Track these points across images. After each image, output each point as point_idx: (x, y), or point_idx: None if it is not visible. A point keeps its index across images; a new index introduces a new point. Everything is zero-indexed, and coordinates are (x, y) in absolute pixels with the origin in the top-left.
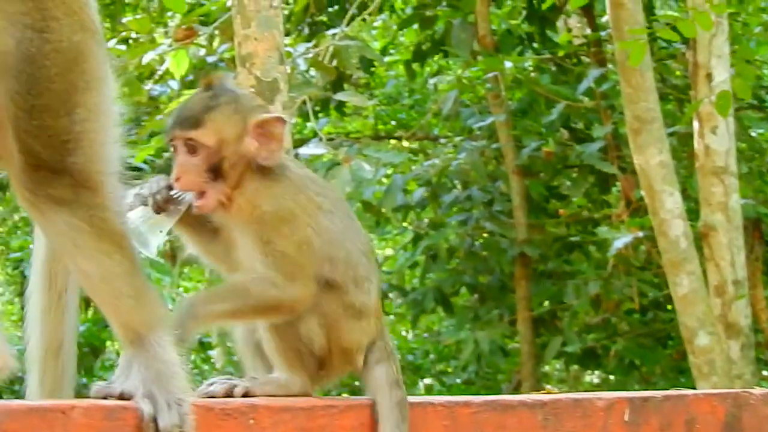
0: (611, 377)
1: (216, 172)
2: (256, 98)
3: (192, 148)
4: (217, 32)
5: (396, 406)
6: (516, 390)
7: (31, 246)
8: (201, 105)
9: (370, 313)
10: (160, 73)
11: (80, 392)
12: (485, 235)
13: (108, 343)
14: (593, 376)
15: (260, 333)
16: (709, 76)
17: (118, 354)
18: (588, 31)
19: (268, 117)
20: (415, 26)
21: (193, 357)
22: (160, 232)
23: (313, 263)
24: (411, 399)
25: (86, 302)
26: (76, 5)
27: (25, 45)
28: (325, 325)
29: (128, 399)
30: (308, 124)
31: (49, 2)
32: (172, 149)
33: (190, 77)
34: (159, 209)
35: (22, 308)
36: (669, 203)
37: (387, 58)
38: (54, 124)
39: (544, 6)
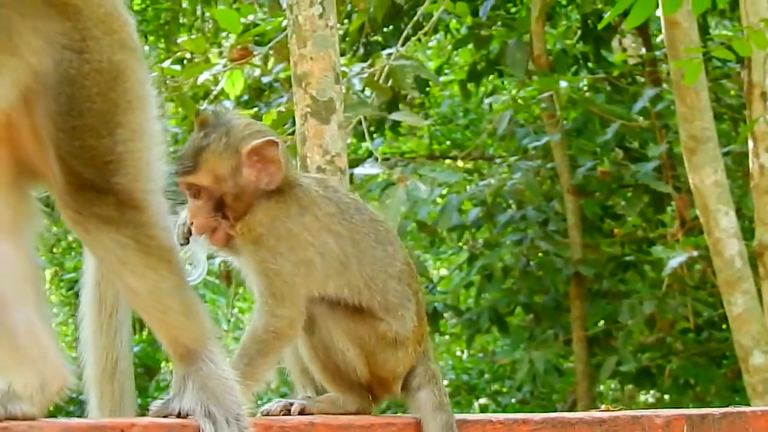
0: (666, 396)
1: (222, 208)
2: (251, 124)
3: (194, 191)
4: (271, 52)
5: (442, 430)
6: (571, 410)
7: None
8: (194, 147)
9: (407, 342)
10: (215, 93)
11: (136, 413)
12: (540, 254)
13: (163, 363)
14: (648, 396)
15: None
16: (764, 95)
17: (172, 374)
18: (643, 50)
19: (259, 143)
20: (470, 46)
21: None
22: (196, 260)
23: (309, 284)
24: (469, 417)
25: (140, 323)
26: (116, 24)
27: (64, 66)
28: (363, 355)
29: (187, 417)
30: (363, 144)
31: (88, 22)
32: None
33: (245, 97)
34: (185, 240)
35: (76, 329)
36: (724, 222)
37: (442, 78)
38: (96, 145)
39: (600, 26)
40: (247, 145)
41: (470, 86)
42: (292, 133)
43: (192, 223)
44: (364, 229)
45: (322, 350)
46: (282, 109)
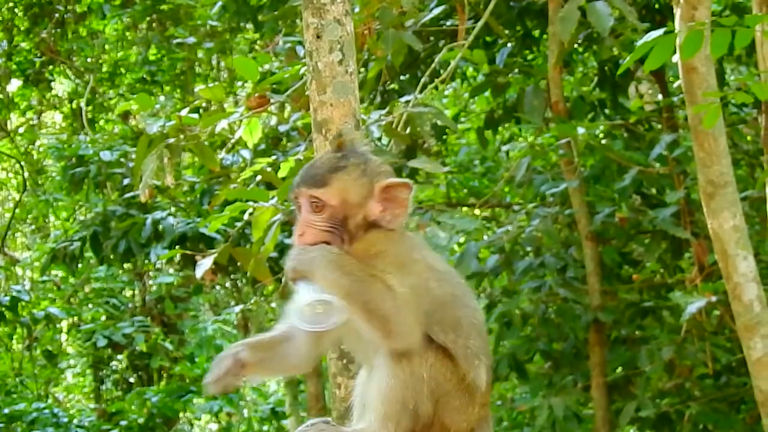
0: None
1: (338, 229)
2: (385, 163)
3: (317, 205)
4: (288, 101)
5: None
6: None
7: (102, 318)
8: (329, 165)
9: (477, 396)
10: (232, 142)
11: None
12: (559, 301)
13: (180, 413)
14: None
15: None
16: None
17: (191, 424)
18: (659, 96)
19: (396, 182)
20: (487, 93)
21: (266, 427)
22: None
23: (421, 312)
24: None
25: (158, 373)
26: None
27: None
28: (435, 393)
29: None
30: None
31: None
32: (296, 205)
33: (262, 146)
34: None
35: (94, 380)
36: (743, 267)
37: (458, 126)
38: None
39: (618, 72)
40: (383, 180)
41: (487, 134)
42: None
43: (302, 234)
44: (456, 278)
45: (398, 388)
46: (300, 157)
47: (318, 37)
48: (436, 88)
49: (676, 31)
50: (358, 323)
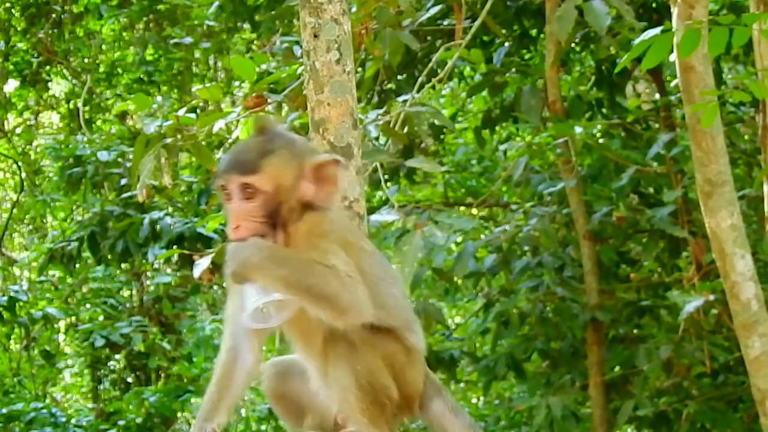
0: None
1: (273, 215)
2: (310, 142)
3: (249, 193)
4: (285, 100)
5: (469, 428)
6: None
7: (100, 318)
8: (258, 149)
9: (421, 356)
10: (229, 142)
11: None
12: (556, 300)
13: (179, 413)
14: None
15: (331, 392)
16: None
17: (188, 423)
18: (657, 95)
19: (326, 159)
20: (484, 93)
21: (264, 427)
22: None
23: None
24: None
25: (156, 374)
26: None
27: None
28: (395, 374)
29: None
30: (378, 193)
31: None
32: (223, 194)
33: None
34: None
35: (92, 380)
36: (740, 266)
37: (456, 125)
38: None
39: (615, 71)
40: (313, 159)
41: (484, 133)
42: None
43: (237, 228)
44: (380, 257)
45: (365, 375)
46: None
47: (315, 36)
48: (433, 87)
49: (673, 30)
50: (309, 310)
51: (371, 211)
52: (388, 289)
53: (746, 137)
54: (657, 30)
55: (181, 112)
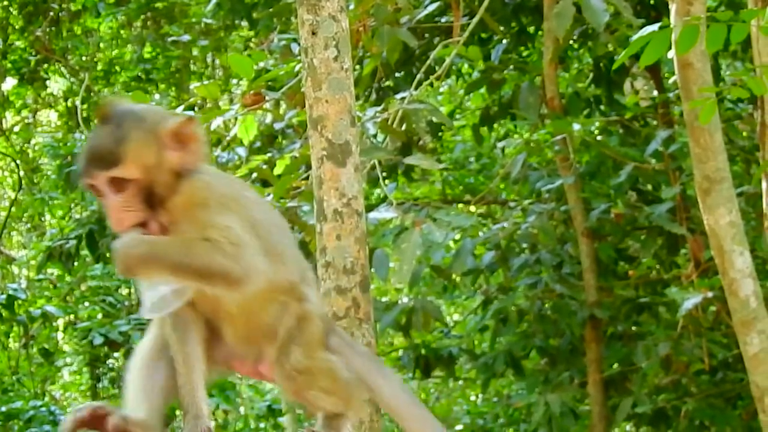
0: None
1: (150, 197)
2: (157, 108)
3: (118, 185)
4: (283, 98)
5: (362, 356)
6: None
7: (99, 316)
8: (111, 139)
9: (319, 306)
10: (228, 139)
11: None
12: (555, 298)
13: (177, 411)
14: None
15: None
16: None
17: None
18: (655, 92)
19: (179, 122)
20: (483, 90)
21: (263, 425)
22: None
23: (258, 244)
24: None
25: None
26: None
27: None
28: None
29: None
30: (376, 191)
31: None
32: (93, 192)
33: (257, 144)
34: None
35: (91, 378)
36: (739, 263)
37: (453, 123)
38: None
39: (613, 68)
40: (166, 126)
41: (482, 130)
42: (306, 178)
43: (118, 221)
44: (266, 204)
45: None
46: (296, 154)
47: (313, 33)
48: (431, 84)
49: (671, 27)
50: (205, 290)
51: (369, 208)
52: (280, 238)
53: (744, 134)
54: (655, 27)
55: (179, 110)
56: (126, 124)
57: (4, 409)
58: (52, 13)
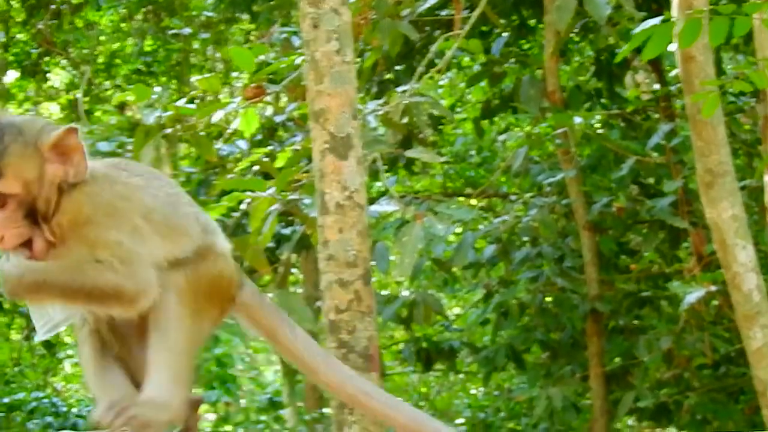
0: None
1: (33, 212)
2: (37, 119)
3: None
4: (284, 91)
5: (273, 307)
6: None
7: None
8: None
9: (228, 252)
10: (229, 132)
11: None
12: (556, 291)
13: None
14: None
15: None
16: None
17: None
18: (656, 86)
19: (59, 134)
20: (483, 83)
21: (264, 417)
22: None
23: (150, 251)
24: None
25: None
26: None
27: None
28: (217, 292)
29: None
30: (376, 183)
31: None
32: None
33: (258, 137)
34: None
35: None
36: (742, 257)
37: (454, 116)
38: None
39: (615, 61)
40: (46, 139)
41: (483, 124)
42: (308, 171)
43: (2, 240)
44: (155, 176)
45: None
46: (297, 147)
47: (315, 26)
48: (431, 78)
49: (673, 20)
50: (97, 312)
51: (369, 201)
52: (177, 209)
53: (747, 127)
54: (657, 20)
55: (180, 103)
56: (5, 137)
57: (6, 400)
58: (53, 6)
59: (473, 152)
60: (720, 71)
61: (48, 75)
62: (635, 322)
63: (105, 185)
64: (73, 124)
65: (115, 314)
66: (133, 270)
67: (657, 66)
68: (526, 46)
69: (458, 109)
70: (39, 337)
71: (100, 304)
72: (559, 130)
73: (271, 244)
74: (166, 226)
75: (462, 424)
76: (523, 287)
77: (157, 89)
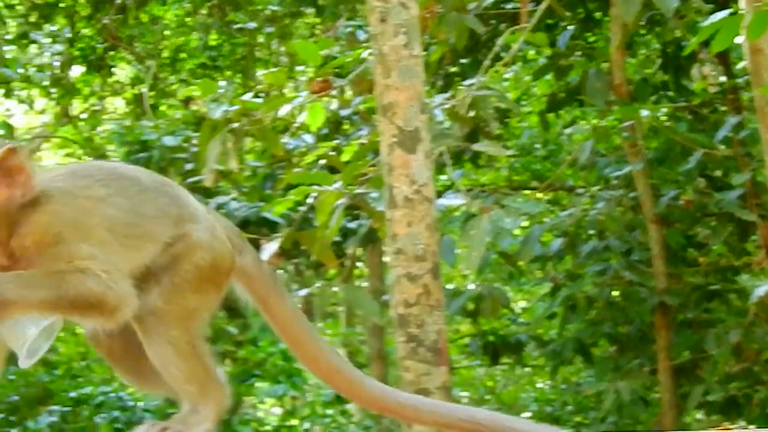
0: (752, 427)
1: None
2: None
3: None
4: (350, 85)
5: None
6: None
7: None
8: None
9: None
10: (295, 126)
11: None
12: (624, 284)
13: (245, 397)
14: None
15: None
16: None
17: (255, 407)
18: (723, 78)
19: None
20: (549, 76)
21: (330, 411)
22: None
23: (120, 262)
24: None
25: (223, 357)
26: None
27: None
28: (209, 278)
29: None
30: (442, 177)
31: None
32: None
33: (324, 130)
34: None
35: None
36: None
37: (520, 109)
38: None
39: (683, 53)
40: None
41: (549, 117)
42: (374, 165)
43: None
44: (120, 183)
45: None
46: (363, 141)
47: (383, 20)
48: (497, 71)
49: (741, 12)
50: (79, 323)
51: (436, 195)
52: (142, 211)
53: None
54: (725, 13)
55: (246, 97)
56: None
57: (73, 394)
58: (119, 1)
59: (539, 145)
60: None
61: (113, 70)
62: (704, 315)
63: (66, 201)
64: (11, 144)
65: (95, 325)
66: (113, 278)
67: (724, 58)
68: (591, 39)
69: (524, 102)
70: (22, 363)
71: (80, 313)
72: (626, 123)
73: (338, 238)
74: (129, 236)
75: (529, 418)
76: (590, 281)
77: (222, 84)
